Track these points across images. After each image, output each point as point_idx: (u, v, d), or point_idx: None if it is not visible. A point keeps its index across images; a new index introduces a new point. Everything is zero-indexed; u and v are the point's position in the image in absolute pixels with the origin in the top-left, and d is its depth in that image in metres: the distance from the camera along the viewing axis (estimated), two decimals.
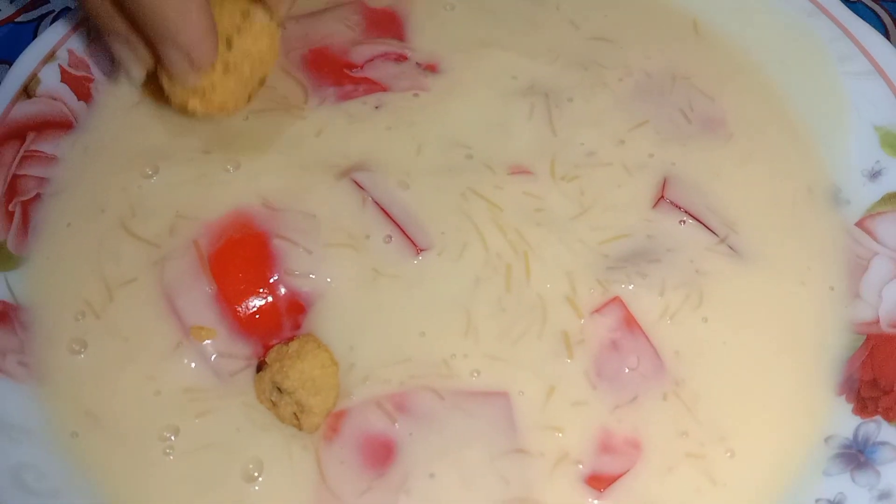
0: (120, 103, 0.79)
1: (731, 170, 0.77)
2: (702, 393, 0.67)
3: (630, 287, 0.69)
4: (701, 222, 0.73)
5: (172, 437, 0.64)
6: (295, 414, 0.65)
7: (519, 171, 0.75)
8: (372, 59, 0.81)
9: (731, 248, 0.73)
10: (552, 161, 0.75)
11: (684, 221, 0.73)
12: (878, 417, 0.67)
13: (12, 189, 0.73)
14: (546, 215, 0.72)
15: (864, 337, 0.70)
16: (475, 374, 0.66)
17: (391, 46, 0.82)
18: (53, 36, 0.79)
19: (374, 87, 0.79)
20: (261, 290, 0.67)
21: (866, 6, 0.97)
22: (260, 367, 0.67)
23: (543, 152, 0.76)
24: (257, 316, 0.67)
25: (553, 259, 0.70)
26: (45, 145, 0.76)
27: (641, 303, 0.69)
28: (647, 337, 0.68)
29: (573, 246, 0.71)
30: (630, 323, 0.68)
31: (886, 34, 0.94)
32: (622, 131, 0.78)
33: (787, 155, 0.79)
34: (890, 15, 0.97)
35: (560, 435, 0.65)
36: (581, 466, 0.64)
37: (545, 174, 0.75)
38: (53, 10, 0.97)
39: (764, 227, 0.74)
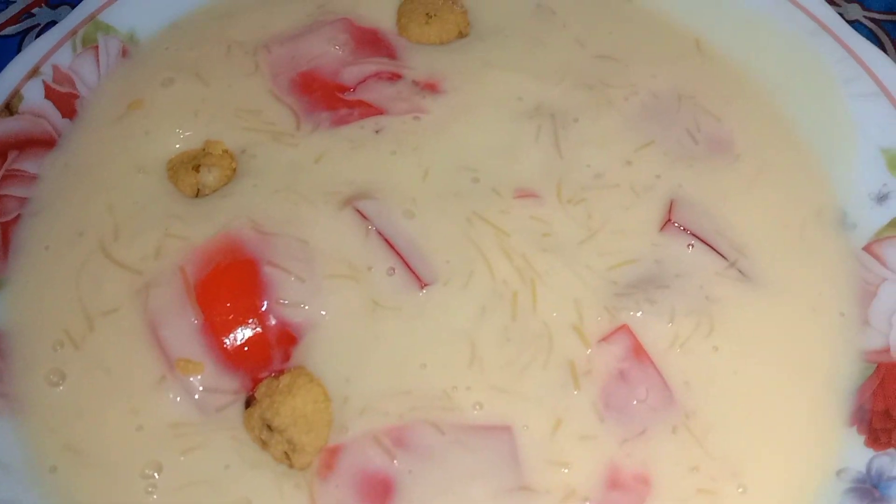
0: (105, 118, 0.77)
1: (738, 192, 0.75)
2: (713, 425, 0.64)
3: (639, 314, 0.67)
4: (709, 245, 0.71)
5: (156, 475, 0.61)
6: (286, 452, 0.61)
7: (525, 194, 0.72)
8: (364, 80, 0.78)
9: (741, 272, 0.70)
10: (559, 184, 0.73)
11: (692, 245, 0.71)
12: (892, 450, 0.64)
13: None
14: (553, 240, 0.70)
15: (875, 366, 0.68)
16: (478, 407, 0.63)
17: (383, 65, 0.79)
18: (38, 51, 0.77)
19: (369, 110, 0.76)
20: (250, 321, 0.64)
21: (865, 26, 0.96)
22: (249, 402, 0.64)
23: (550, 175, 0.73)
24: (246, 348, 0.64)
25: (560, 286, 0.68)
26: (27, 164, 0.73)
27: (650, 331, 0.66)
28: (655, 367, 0.65)
29: (581, 272, 0.68)
30: (639, 352, 0.65)
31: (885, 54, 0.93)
32: (629, 152, 0.75)
33: (795, 177, 0.77)
34: (888, 35, 0.96)
35: (566, 471, 0.62)
36: (589, 503, 0.61)
37: (552, 197, 0.72)
38: (39, 24, 0.93)
39: (773, 250, 0.72)
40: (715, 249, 0.71)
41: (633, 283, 0.68)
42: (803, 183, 0.77)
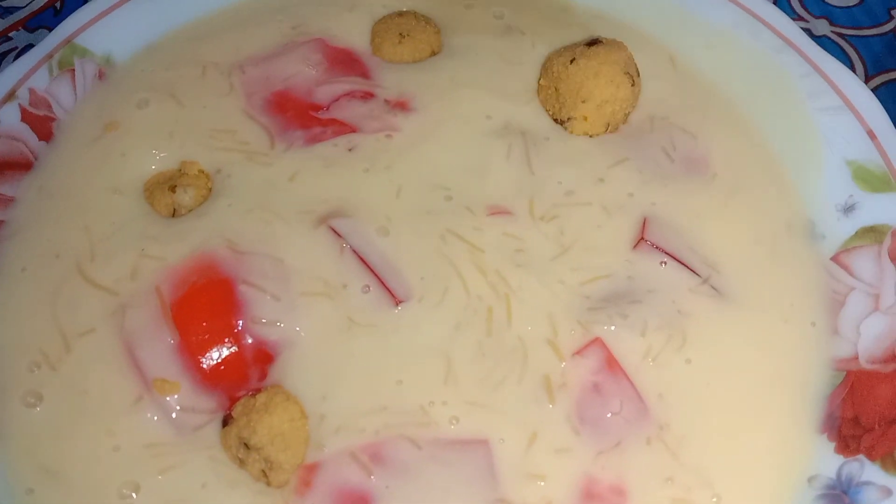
0: (81, 140, 0.77)
1: (713, 209, 0.75)
2: (686, 436, 0.65)
3: (611, 328, 0.67)
4: (682, 263, 0.71)
5: (133, 495, 0.61)
6: (263, 471, 0.62)
7: (498, 211, 0.73)
8: (337, 99, 0.78)
9: (713, 288, 0.71)
10: (531, 201, 0.74)
11: (665, 263, 0.71)
12: (861, 456, 0.65)
13: None
14: (526, 256, 0.71)
15: (844, 373, 0.70)
16: (454, 422, 0.64)
17: (356, 84, 0.80)
18: (14, 74, 0.77)
19: (342, 128, 0.77)
20: (226, 340, 0.65)
21: (832, 41, 0.98)
22: (226, 421, 0.64)
23: (522, 192, 0.74)
24: (222, 367, 0.64)
25: (534, 301, 0.68)
26: (4, 186, 0.74)
27: (623, 344, 0.67)
28: (629, 379, 0.66)
29: (554, 287, 0.69)
30: (612, 365, 0.66)
31: (852, 69, 0.95)
32: (601, 169, 0.76)
33: (766, 191, 0.78)
34: (856, 50, 0.98)
35: (543, 483, 0.62)
36: None
37: (524, 214, 0.73)
38: (16, 48, 0.94)
39: (746, 265, 0.73)
40: (688, 267, 0.71)
41: (606, 298, 0.69)
42: (774, 197, 0.78)
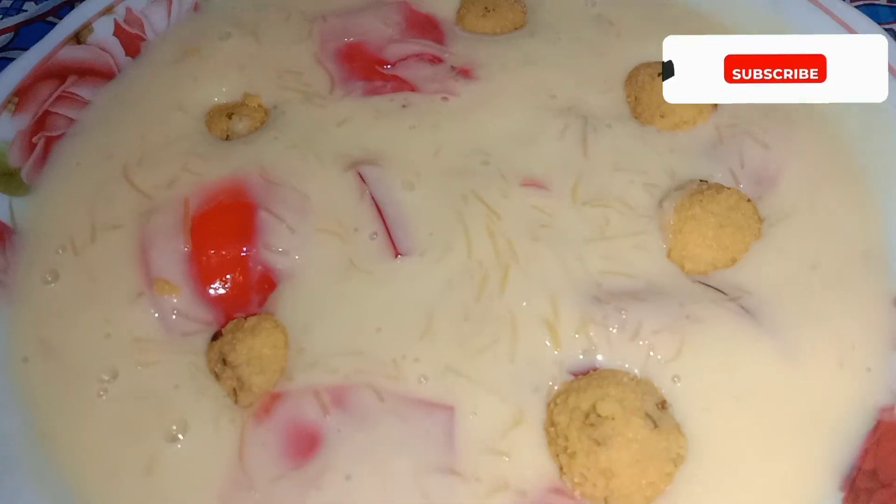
0: (163, 60, 0.82)
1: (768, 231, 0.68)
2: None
3: (612, 329, 0.62)
4: (713, 287, 0.65)
5: (110, 380, 0.63)
6: (234, 388, 0.62)
7: (533, 183, 0.70)
8: (406, 59, 0.79)
9: (742, 308, 0.64)
10: (576, 182, 0.70)
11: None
12: None
13: (40, 123, 0.76)
14: (550, 232, 0.67)
15: (875, 422, 0.60)
16: (423, 380, 0.61)
17: (427, 47, 0.80)
18: None
19: (402, 85, 0.77)
20: (235, 260, 0.66)
21: None
22: (216, 337, 0.65)
23: (567, 172, 0.71)
24: (227, 286, 0.65)
25: (538, 276, 0.64)
26: (83, 90, 0.80)
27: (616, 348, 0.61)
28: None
29: (570, 263, 0.65)
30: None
31: None
32: (658, 174, 0.71)
33: (843, 213, 0.69)
34: None
35: (507, 459, 0.58)
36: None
37: (565, 193, 0.69)
38: None
39: (794, 289, 0.65)
40: (717, 289, 0.65)
41: (615, 294, 0.64)
42: (852, 220, 0.69)
